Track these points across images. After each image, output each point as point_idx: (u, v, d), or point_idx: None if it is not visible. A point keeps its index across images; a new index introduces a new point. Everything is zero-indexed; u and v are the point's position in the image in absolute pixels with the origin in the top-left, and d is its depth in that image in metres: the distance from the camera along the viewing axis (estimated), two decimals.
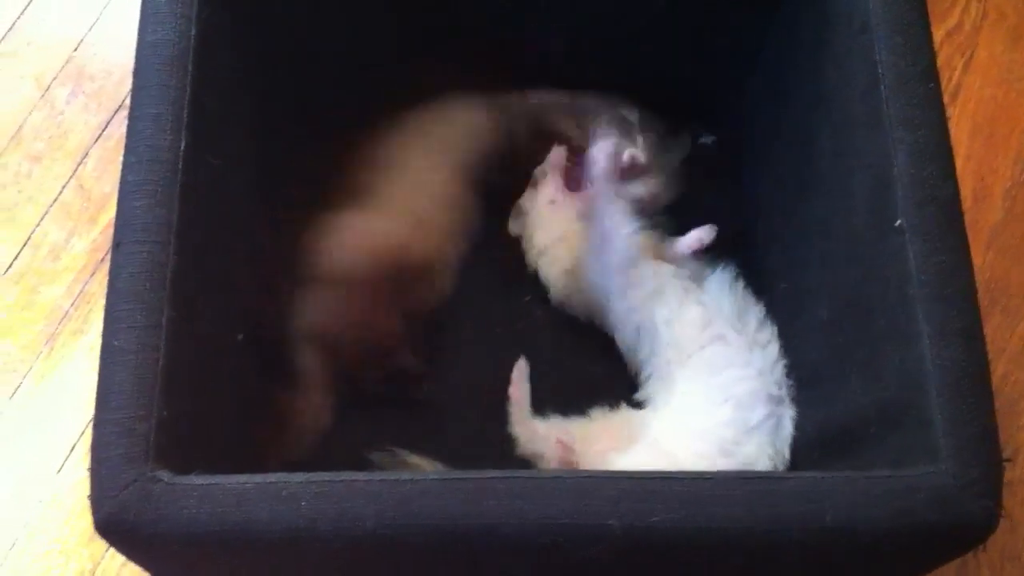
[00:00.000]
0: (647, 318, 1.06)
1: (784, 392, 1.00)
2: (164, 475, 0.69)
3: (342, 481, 0.70)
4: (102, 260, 1.26)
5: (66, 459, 1.16)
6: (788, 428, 0.99)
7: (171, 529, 0.69)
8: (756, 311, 1.05)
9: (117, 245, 0.76)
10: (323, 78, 1.10)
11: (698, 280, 1.08)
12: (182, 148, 0.78)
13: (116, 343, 0.73)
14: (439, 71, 1.12)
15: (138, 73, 0.81)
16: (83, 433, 1.17)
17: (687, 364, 1.03)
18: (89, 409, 1.17)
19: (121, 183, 0.78)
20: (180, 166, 0.78)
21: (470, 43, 1.12)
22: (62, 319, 1.23)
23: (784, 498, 0.71)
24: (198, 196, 0.79)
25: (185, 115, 0.79)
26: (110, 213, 1.29)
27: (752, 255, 1.11)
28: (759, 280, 1.09)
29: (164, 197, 0.77)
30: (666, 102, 1.21)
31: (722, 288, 1.06)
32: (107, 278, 0.77)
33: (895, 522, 0.71)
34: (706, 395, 1.01)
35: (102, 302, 1.23)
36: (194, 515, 0.69)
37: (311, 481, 0.70)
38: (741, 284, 1.07)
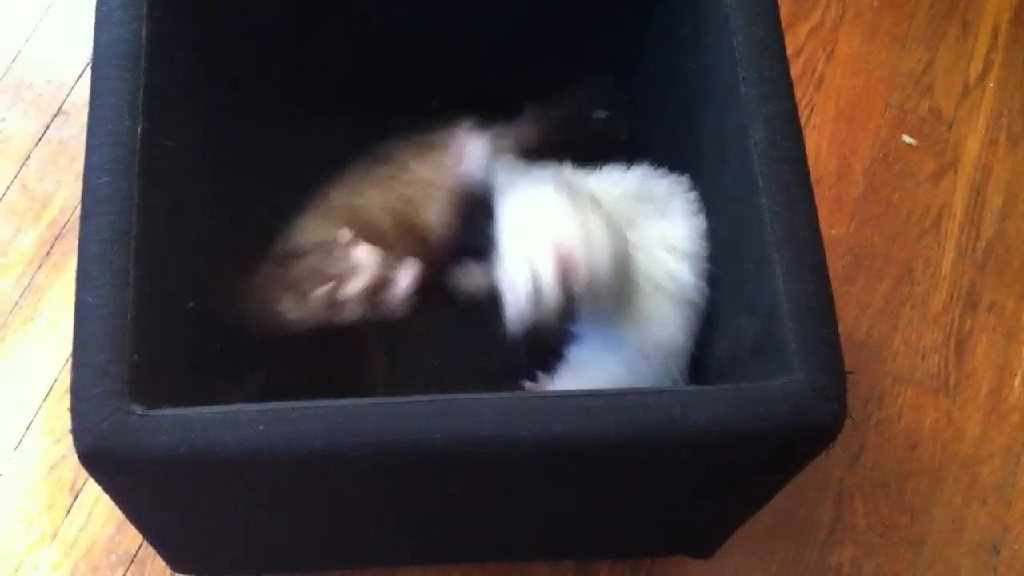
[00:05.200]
0: None
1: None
2: (138, 409, 0.80)
3: (293, 408, 0.82)
4: (48, 254, 1.35)
5: (23, 436, 1.25)
6: None
7: (146, 454, 0.79)
8: None
9: (85, 217, 0.87)
10: (269, 70, 1.23)
11: None
12: (139, 131, 0.89)
13: (89, 299, 0.83)
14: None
15: (96, 68, 0.91)
16: (38, 412, 1.26)
17: None
18: (42, 390, 1.26)
19: (86, 164, 0.88)
20: (138, 147, 0.89)
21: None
22: (12, 309, 1.32)
23: (664, 409, 0.84)
24: (156, 173, 0.90)
25: (140, 103, 0.90)
26: (53, 211, 1.38)
27: None
28: None
29: (124, 174, 0.88)
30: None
31: None
32: (77, 245, 0.86)
33: (759, 424, 0.84)
34: None
35: (50, 292, 1.33)
36: (165, 441, 0.79)
37: (266, 409, 0.82)
38: None
